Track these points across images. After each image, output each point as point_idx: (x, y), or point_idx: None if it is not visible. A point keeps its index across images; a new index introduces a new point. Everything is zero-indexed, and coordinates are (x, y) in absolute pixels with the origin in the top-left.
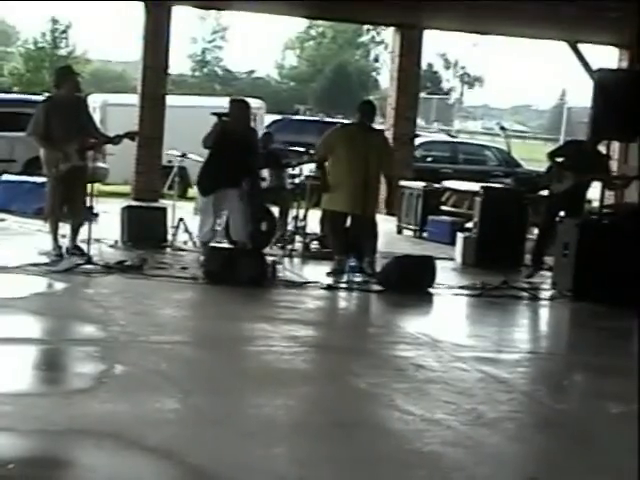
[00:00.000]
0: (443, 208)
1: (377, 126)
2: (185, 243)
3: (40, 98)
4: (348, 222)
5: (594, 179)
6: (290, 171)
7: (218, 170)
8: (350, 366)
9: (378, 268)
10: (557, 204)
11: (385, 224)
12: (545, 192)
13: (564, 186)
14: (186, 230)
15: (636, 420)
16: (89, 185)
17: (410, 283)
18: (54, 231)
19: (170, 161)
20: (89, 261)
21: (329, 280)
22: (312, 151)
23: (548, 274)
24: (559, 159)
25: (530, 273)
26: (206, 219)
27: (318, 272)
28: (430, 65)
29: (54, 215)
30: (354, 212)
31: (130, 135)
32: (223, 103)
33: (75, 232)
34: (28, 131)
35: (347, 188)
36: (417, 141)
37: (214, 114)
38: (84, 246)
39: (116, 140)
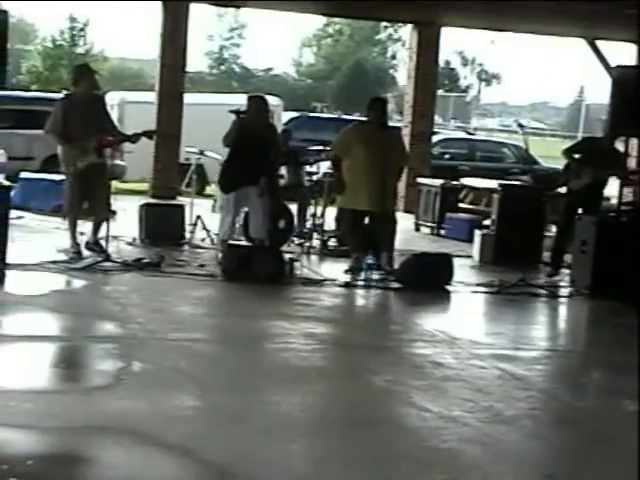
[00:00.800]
0: (461, 205)
1: (395, 123)
2: (203, 240)
3: (58, 96)
4: (366, 220)
5: (612, 175)
6: (308, 168)
7: (239, 168)
8: (368, 363)
9: (396, 265)
10: (575, 201)
11: (403, 221)
12: (563, 189)
13: (582, 182)
14: (204, 227)
15: None
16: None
17: (428, 280)
18: (73, 228)
19: (188, 159)
20: (107, 258)
21: (347, 277)
22: (329, 148)
23: (566, 271)
24: (576, 155)
25: (551, 272)
26: (226, 216)
27: (336, 269)
28: (448, 62)
29: (72, 212)
30: (373, 210)
31: (148, 134)
32: (241, 100)
33: (96, 228)
34: (46, 129)
35: (365, 186)
36: (435, 138)
37: (232, 112)
38: (103, 243)
39: (134, 138)
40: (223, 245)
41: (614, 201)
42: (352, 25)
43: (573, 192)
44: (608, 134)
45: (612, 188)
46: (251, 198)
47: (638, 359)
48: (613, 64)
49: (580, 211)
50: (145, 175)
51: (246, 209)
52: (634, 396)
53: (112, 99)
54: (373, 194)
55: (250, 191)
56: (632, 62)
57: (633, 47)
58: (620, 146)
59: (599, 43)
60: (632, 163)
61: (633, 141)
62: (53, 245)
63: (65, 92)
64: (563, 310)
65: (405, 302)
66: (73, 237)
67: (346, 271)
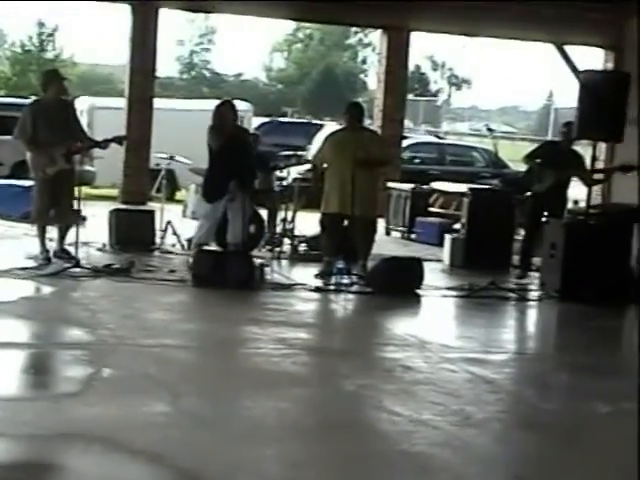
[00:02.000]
0: (431, 209)
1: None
2: (173, 246)
3: (27, 102)
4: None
5: (573, 175)
6: (278, 173)
7: (223, 176)
8: (339, 368)
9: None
10: (539, 204)
11: None
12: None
13: (545, 185)
14: (174, 233)
15: (625, 419)
16: (77, 188)
17: (398, 285)
18: (41, 235)
19: (158, 164)
20: (77, 265)
21: (317, 282)
22: (300, 153)
23: (536, 275)
24: (537, 160)
25: (520, 274)
26: (207, 223)
27: (306, 274)
28: (418, 67)
29: (41, 219)
30: (344, 212)
31: (118, 139)
32: (210, 106)
33: (63, 236)
34: (15, 134)
35: (335, 189)
36: (405, 143)
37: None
38: (72, 249)
39: (103, 144)
40: (197, 249)
41: (583, 204)
42: (322, 30)
43: (537, 195)
44: (566, 138)
45: (580, 191)
46: (233, 203)
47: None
48: (581, 69)
49: (545, 214)
50: (115, 181)
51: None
52: (604, 398)
53: (81, 104)
54: (343, 197)
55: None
56: (600, 66)
57: (600, 52)
58: (584, 149)
59: (567, 48)
60: (599, 165)
61: (601, 145)
62: (22, 251)
63: (34, 97)
64: (533, 313)
65: (375, 306)
66: (42, 243)
67: (316, 275)
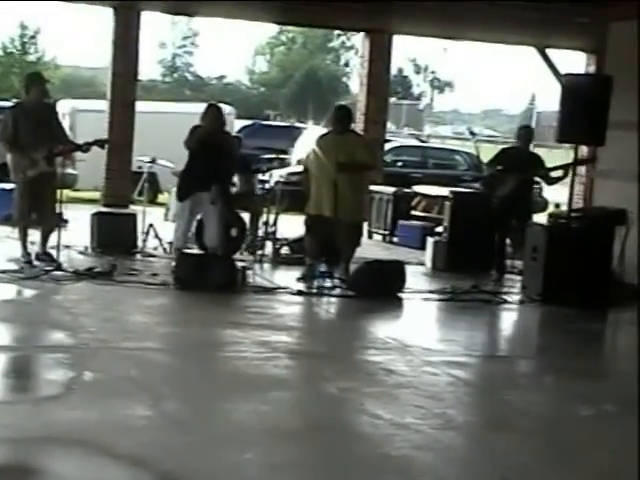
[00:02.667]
0: (413, 213)
1: None
2: (155, 249)
3: (8, 104)
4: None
5: (533, 176)
6: (260, 176)
7: (194, 175)
8: (320, 371)
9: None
10: (505, 207)
11: None
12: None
13: (507, 188)
14: (156, 236)
15: (606, 421)
16: (58, 191)
17: (380, 288)
18: (23, 237)
19: (140, 167)
20: (59, 268)
21: (300, 285)
22: (282, 156)
23: (517, 277)
24: (499, 167)
25: (496, 277)
26: (181, 224)
27: (289, 277)
28: (400, 70)
29: (22, 221)
30: (323, 214)
31: (100, 143)
32: (193, 109)
33: (45, 238)
34: None
35: (317, 191)
36: (387, 146)
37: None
38: (54, 252)
39: (85, 147)
40: (177, 253)
41: (564, 208)
42: (305, 33)
43: (501, 199)
44: (524, 141)
45: (561, 195)
46: (205, 206)
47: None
48: (563, 72)
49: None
50: (97, 184)
51: (199, 217)
52: (586, 400)
53: (64, 107)
54: (323, 200)
55: (204, 198)
56: (582, 70)
57: (582, 55)
58: (567, 153)
59: (549, 51)
60: (583, 171)
61: (582, 149)
62: (3, 254)
63: (16, 100)
64: (515, 316)
65: (357, 310)
66: (24, 246)
67: (299, 278)
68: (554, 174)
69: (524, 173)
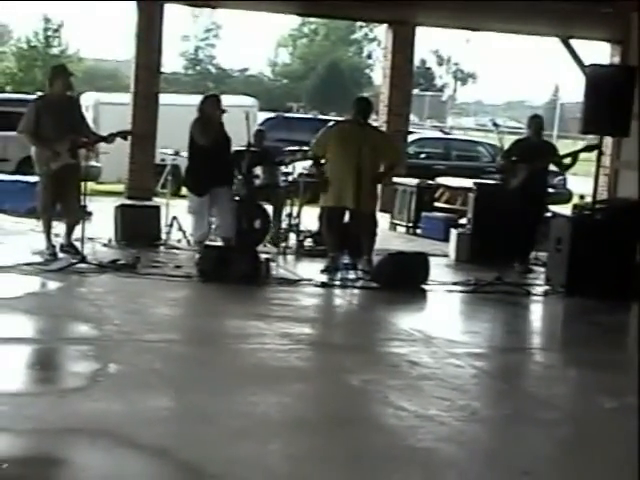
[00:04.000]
0: (436, 204)
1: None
2: (179, 241)
3: (33, 97)
4: (346, 219)
5: (545, 164)
6: (283, 169)
7: (207, 169)
8: (344, 363)
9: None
10: (519, 198)
11: (379, 221)
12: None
13: (520, 179)
14: (180, 228)
15: (630, 414)
16: (82, 184)
17: (404, 280)
18: (47, 230)
19: (163, 159)
20: (83, 260)
21: (323, 277)
22: (305, 148)
23: (541, 269)
24: (513, 158)
25: (522, 270)
26: (199, 219)
27: (312, 269)
28: (423, 62)
29: (46, 214)
30: (346, 206)
31: (123, 134)
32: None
33: (70, 230)
34: (19, 128)
35: (338, 183)
36: (410, 138)
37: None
38: (78, 245)
39: (109, 139)
40: (199, 246)
41: (589, 199)
42: (327, 25)
43: (514, 190)
44: (535, 130)
45: (586, 187)
46: (219, 198)
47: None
48: (587, 63)
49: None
50: (120, 176)
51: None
52: (611, 393)
53: (87, 100)
54: (345, 191)
55: (218, 191)
56: (606, 61)
57: (607, 46)
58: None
59: (573, 42)
60: (607, 161)
61: (607, 140)
62: (28, 247)
63: (39, 93)
64: (539, 308)
65: (381, 301)
66: (48, 239)
67: (322, 271)
68: (566, 161)
69: (535, 162)
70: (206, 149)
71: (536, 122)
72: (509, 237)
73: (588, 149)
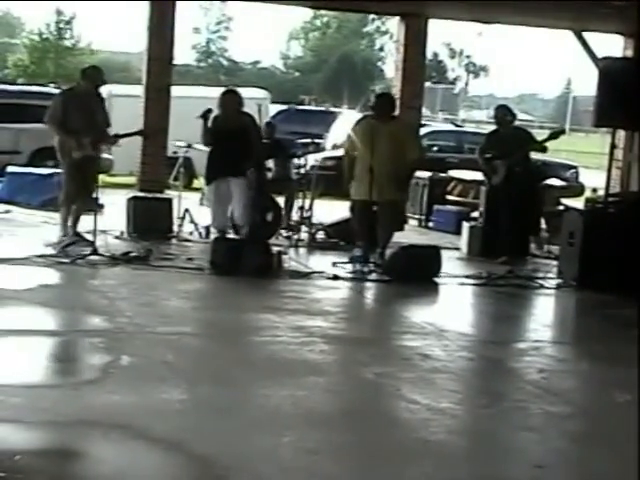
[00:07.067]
0: (449, 198)
1: None
2: (191, 234)
3: (45, 89)
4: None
5: (521, 155)
6: (296, 161)
7: (218, 159)
8: (357, 356)
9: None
10: (505, 193)
11: None
12: (550, 181)
13: (500, 175)
14: (192, 221)
15: None
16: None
17: (416, 273)
18: (65, 218)
19: (175, 152)
20: (95, 252)
21: (335, 270)
22: (317, 141)
23: (554, 263)
24: (487, 155)
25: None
26: (214, 208)
27: (324, 262)
28: (435, 54)
29: (68, 202)
30: (365, 199)
31: (142, 133)
32: None
33: (77, 219)
34: (45, 119)
35: (359, 176)
36: (422, 131)
37: (201, 116)
38: (89, 237)
39: (138, 135)
40: (219, 234)
41: (601, 192)
42: (339, 18)
43: (498, 187)
44: (508, 120)
45: (599, 180)
46: (233, 189)
47: (638, 354)
48: (600, 56)
49: (519, 198)
50: (133, 168)
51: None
52: (623, 386)
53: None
54: (363, 183)
55: (231, 182)
56: (619, 54)
57: (620, 39)
58: (603, 137)
59: (586, 35)
60: (620, 155)
61: (620, 133)
62: (41, 239)
63: (67, 86)
64: (551, 302)
65: (393, 294)
66: (64, 227)
67: (347, 261)
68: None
69: (511, 156)
70: (215, 142)
71: (501, 112)
72: (522, 230)
73: (554, 136)
